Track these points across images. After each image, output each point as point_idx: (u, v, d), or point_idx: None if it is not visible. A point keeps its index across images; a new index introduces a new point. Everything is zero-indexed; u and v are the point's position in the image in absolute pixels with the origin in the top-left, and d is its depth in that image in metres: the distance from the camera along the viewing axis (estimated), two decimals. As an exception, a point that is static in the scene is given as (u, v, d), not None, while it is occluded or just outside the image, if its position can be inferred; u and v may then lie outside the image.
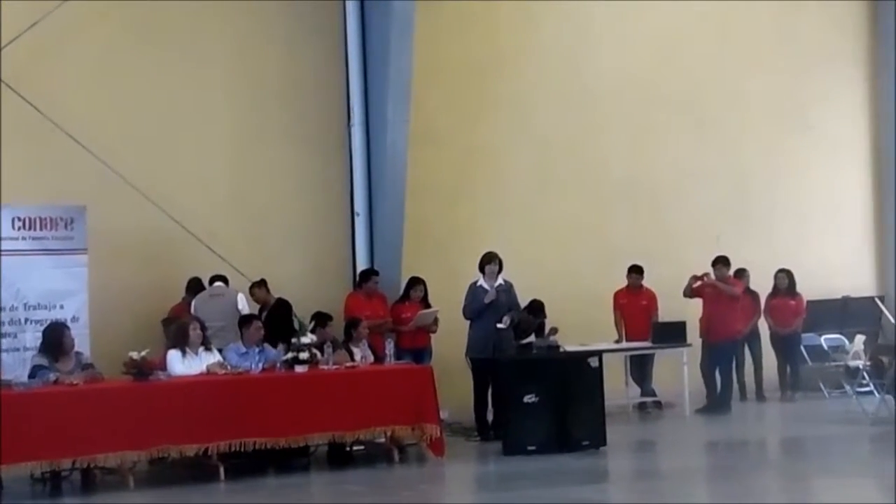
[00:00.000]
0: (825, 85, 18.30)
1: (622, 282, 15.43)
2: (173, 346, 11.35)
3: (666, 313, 15.29)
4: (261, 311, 13.22)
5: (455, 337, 13.35)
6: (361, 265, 14.27)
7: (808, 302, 16.33)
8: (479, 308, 12.95)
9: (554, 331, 13.03)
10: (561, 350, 12.73)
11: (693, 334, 14.97)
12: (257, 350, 11.74)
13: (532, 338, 13.32)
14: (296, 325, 12.26)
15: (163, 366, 11.15)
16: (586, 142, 16.28)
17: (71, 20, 12.92)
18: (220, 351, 11.63)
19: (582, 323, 14.75)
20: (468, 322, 13.18)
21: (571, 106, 16.18)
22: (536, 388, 11.79)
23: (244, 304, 12.96)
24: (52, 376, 10.56)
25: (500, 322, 12.93)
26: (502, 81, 15.70)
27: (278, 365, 11.47)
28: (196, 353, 11.35)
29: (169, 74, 13.68)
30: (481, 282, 13.04)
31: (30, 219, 12.01)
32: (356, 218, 14.49)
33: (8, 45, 12.47)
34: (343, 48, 14.53)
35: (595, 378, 12.14)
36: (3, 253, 11.81)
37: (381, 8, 14.08)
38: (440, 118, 15.09)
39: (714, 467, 11.97)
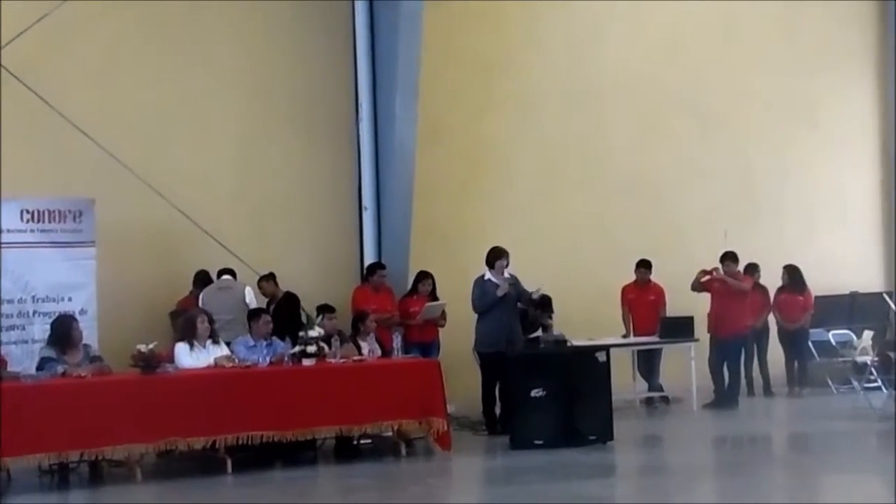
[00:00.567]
0: (832, 82, 18.29)
1: (629, 277, 15.44)
2: (181, 339, 11.37)
3: (673, 308, 15.29)
4: (268, 304, 13.25)
5: (462, 331, 13.36)
6: (369, 259, 14.30)
7: (816, 297, 16.33)
8: (492, 302, 12.92)
9: (538, 294, 12.99)
10: (568, 345, 12.73)
11: (701, 329, 14.96)
12: (265, 343, 11.76)
13: (539, 332, 13.34)
14: (303, 319, 12.27)
15: (170, 358, 11.17)
16: (593, 138, 16.30)
17: (79, 13, 12.94)
18: (227, 344, 11.65)
19: (589, 318, 14.80)
20: (476, 316, 13.15)
21: (578, 103, 16.19)
22: (544, 383, 11.79)
23: (252, 298, 12.98)
24: (60, 369, 10.58)
25: (534, 294, 12.89)
26: (509, 78, 15.71)
27: (286, 358, 11.48)
28: (204, 346, 11.38)
29: (177, 68, 13.69)
30: (489, 276, 13.02)
31: (38, 211, 12.02)
32: (364, 212, 14.51)
33: (17, 38, 12.48)
34: (351, 44, 14.54)
35: (602, 373, 12.14)
36: (12, 245, 11.82)
37: (389, 4, 14.10)
38: (448, 114, 15.11)
39: (721, 463, 11.96)
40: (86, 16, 13.06)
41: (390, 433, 11.82)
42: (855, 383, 14.58)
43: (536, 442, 11.68)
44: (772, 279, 16.19)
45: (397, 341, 12.27)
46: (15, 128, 12.51)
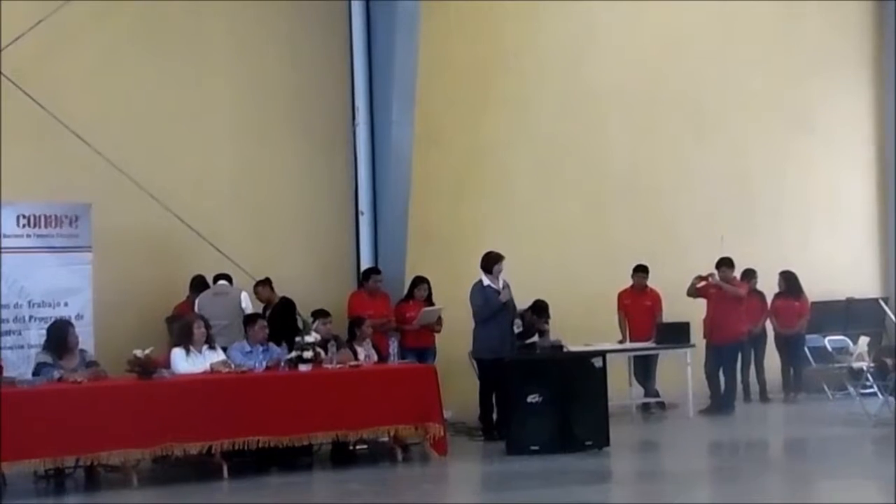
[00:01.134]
0: (829, 86, 18.32)
1: (625, 282, 15.44)
2: (177, 344, 11.36)
3: (669, 314, 15.29)
4: (265, 309, 13.22)
5: (459, 336, 13.36)
6: (365, 264, 14.28)
7: (812, 303, 16.35)
8: (497, 309, 12.91)
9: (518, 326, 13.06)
10: (565, 350, 12.73)
11: (697, 335, 14.97)
12: (261, 349, 11.75)
13: (536, 338, 13.34)
14: (300, 324, 12.26)
15: (167, 364, 11.17)
16: (589, 142, 16.30)
17: (76, 18, 12.93)
18: (224, 349, 11.64)
19: (585, 323, 14.79)
20: (473, 322, 13.13)
21: (575, 106, 16.19)
22: (540, 389, 11.79)
23: (248, 303, 12.96)
24: (57, 374, 10.58)
25: (515, 326, 12.92)
26: (506, 81, 15.72)
27: (282, 364, 11.48)
28: (200, 352, 11.37)
29: (174, 73, 13.68)
30: (488, 282, 13.01)
31: (35, 216, 12.00)
32: (360, 217, 14.50)
33: (13, 43, 12.47)
34: (348, 48, 14.54)
35: (598, 378, 12.14)
36: (8, 250, 11.80)
37: (386, 7, 14.10)
38: (444, 118, 15.11)
39: (717, 468, 11.96)
40: (82, 20, 13.05)
41: (387, 439, 11.80)
42: (851, 389, 14.58)
43: (532, 447, 11.68)
44: (768, 285, 16.19)
45: (394, 347, 12.27)
46: (11, 132, 12.49)
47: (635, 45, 16.73)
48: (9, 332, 11.82)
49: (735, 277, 15.17)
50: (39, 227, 12.02)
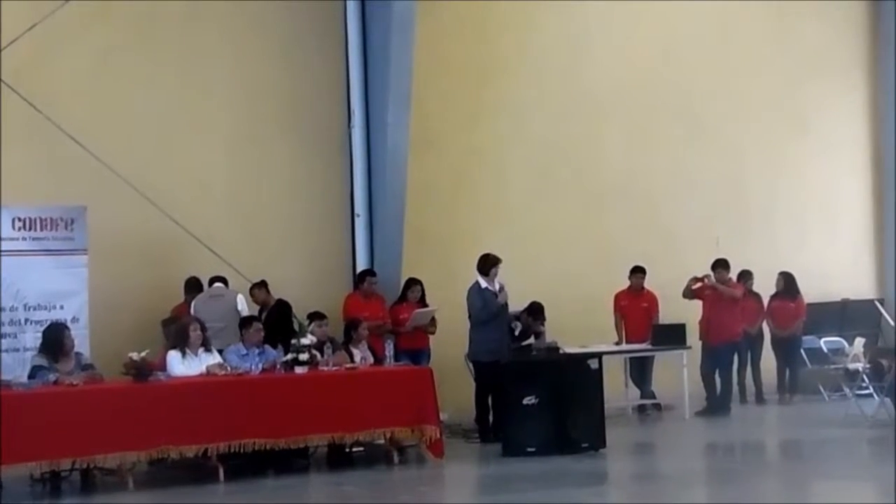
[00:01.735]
0: (824, 89, 18.34)
1: (621, 284, 15.44)
2: (173, 347, 11.35)
3: (665, 316, 15.31)
4: (261, 311, 13.23)
5: (455, 338, 13.36)
6: (361, 267, 14.28)
7: (808, 304, 16.35)
8: (495, 312, 12.91)
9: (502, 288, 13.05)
10: (561, 352, 12.74)
11: (692, 337, 14.97)
12: (257, 351, 11.74)
13: (532, 339, 13.34)
14: (295, 327, 12.25)
15: (162, 366, 11.16)
16: (585, 144, 16.31)
17: (71, 21, 12.92)
18: (219, 352, 11.63)
19: (581, 325, 14.78)
20: (469, 325, 13.13)
21: (570, 109, 16.20)
22: (536, 390, 11.79)
23: (244, 306, 12.97)
24: (52, 377, 10.56)
25: (513, 324, 12.92)
26: (501, 85, 15.72)
27: (278, 366, 11.47)
28: (196, 354, 11.36)
29: (168, 75, 13.68)
30: (485, 284, 13.01)
31: (30, 219, 11.99)
32: (356, 219, 14.50)
33: (8, 46, 12.47)
34: (343, 50, 14.54)
35: (594, 380, 12.15)
36: (4, 253, 11.79)
37: (381, 9, 14.10)
38: (440, 120, 15.11)
39: (713, 470, 11.97)
40: (77, 24, 13.04)
41: (383, 441, 11.80)
42: (847, 390, 14.60)
43: (529, 449, 11.67)
44: (763, 286, 16.19)
45: (389, 349, 12.28)
46: (6, 135, 12.49)
47: (631, 47, 16.74)
48: (4, 336, 11.81)
49: (731, 279, 15.19)
50: (35, 229, 12.01)
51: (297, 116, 14.43)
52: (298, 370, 11.34)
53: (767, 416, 15.40)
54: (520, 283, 13.55)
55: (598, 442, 11.94)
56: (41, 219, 12.04)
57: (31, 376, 10.71)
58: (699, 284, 14.93)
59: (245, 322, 12.10)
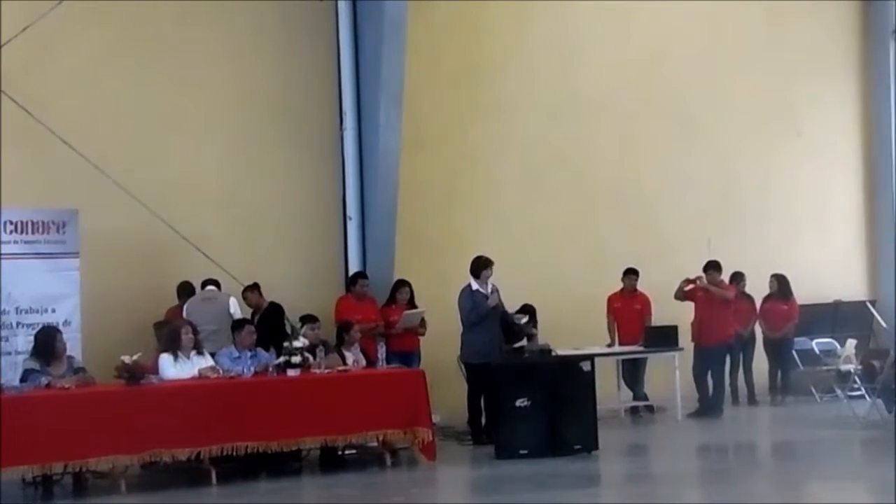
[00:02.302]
0: (816, 91, 18.39)
1: (614, 286, 15.45)
2: (165, 350, 11.33)
3: (658, 318, 15.31)
4: (253, 314, 13.22)
5: (447, 340, 13.35)
6: (354, 269, 14.27)
7: (800, 306, 16.37)
8: (484, 313, 12.92)
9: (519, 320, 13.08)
10: (553, 354, 12.74)
11: (685, 338, 14.98)
12: (249, 354, 11.73)
13: (524, 342, 13.33)
14: (288, 329, 12.24)
15: (155, 370, 11.14)
16: (577, 146, 16.32)
17: (63, 24, 12.89)
18: (212, 355, 11.62)
19: (573, 327, 14.80)
20: (461, 327, 13.14)
21: (562, 110, 16.22)
22: (529, 392, 11.79)
23: (236, 308, 12.96)
24: (44, 380, 10.54)
25: (515, 318, 12.96)
26: (494, 86, 15.73)
27: (270, 369, 11.46)
28: (188, 357, 11.34)
29: (161, 78, 13.66)
30: (476, 286, 13.01)
31: (22, 222, 11.96)
32: (348, 222, 14.49)
33: (0, 49, 12.45)
34: (335, 52, 14.54)
35: (587, 382, 12.15)
36: (-5, 257, 11.79)
37: (373, 11, 14.09)
38: (432, 122, 15.12)
39: (705, 471, 11.97)
40: (69, 26, 13.02)
41: (375, 443, 11.80)
42: (839, 392, 14.61)
43: (521, 451, 11.68)
44: (756, 288, 16.21)
45: (382, 351, 12.27)
46: (-2, 138, 12.49)
47: (623, 48, 16.76)
48: (-4, 339, 11.79)
49: (723, 280, 15.19)
50: (27, 233, 11.98)
51: (289, 118, 14.42)
52: (291, 373, 11.33)
53: (759, 418, 15.41)
54: (512, 284, 13.55)
55: (590, 444, 11.95)
56: (33, 222, 12.01)
57: (22, 380, 10.69)
58: (691, 286, 14.94)
59: (237, 325, 12.08)
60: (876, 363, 13.96)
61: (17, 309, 11.89)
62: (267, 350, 11.91)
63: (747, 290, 16.09)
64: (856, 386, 14.27)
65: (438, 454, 11.81)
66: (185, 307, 12.85)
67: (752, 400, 16.11)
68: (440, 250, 14.85)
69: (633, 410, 15.35)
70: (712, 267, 15.04)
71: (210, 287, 13.10)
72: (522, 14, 15.97)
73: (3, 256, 11.79)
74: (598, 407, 12.30)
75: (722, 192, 17.43)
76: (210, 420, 10.74)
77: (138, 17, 13.52)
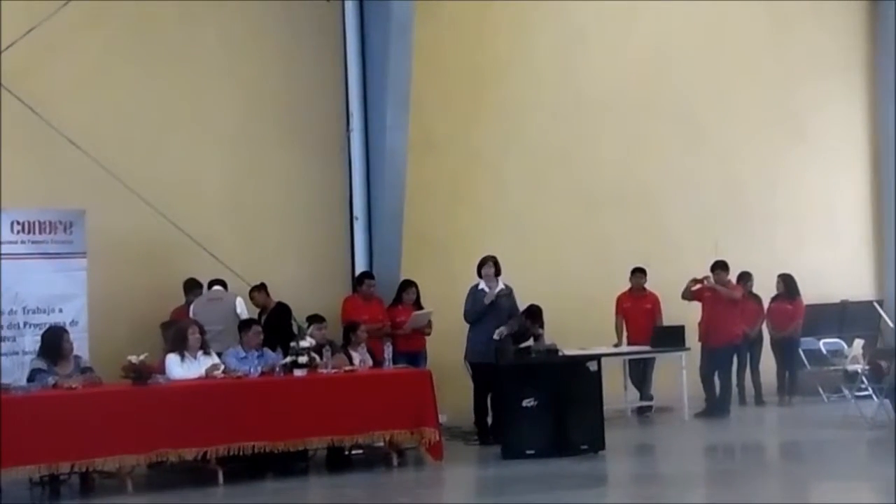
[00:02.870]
0: (821, 92, 18.36)
1: (619, 286, 15.45)
2: (172, 350, 11.34)
3: (664, 317, 15.30)
4: (260, 314, 13.23)
5: (453, 340, 13.36)
6: (360, 269, 14.28)
7: (807, 306, 16.35)
8: (480, 311, 12.95)
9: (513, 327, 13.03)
10: (559, 354, 12.73)
11: (692, 338, 14.97)
12: (256, 354, 11.74)
13: (531, 342, 13.33)
14: (295, 329, 12.25)
15: (161, 369, 11.15)
16: (583, 148, 16.32)
17: (69, 24, 12.92)
18: (219, 355, 11.63)
19: (580, 327, 14.80)
20: (468, 326, 13.16)
21: (568, 112, 16.22)
22: (535, 393, 11.79)
23: (243, 308, 12.97)
24: (51, 380, 10.56)
25: (496, 333, 12.88)
26: (499, 88, 15.74)
27: (277, 369, 11.46)
28: (195, 357, 11.35)
29: (167, 78, 13.68)
30: (482, 285, 13.03)
31: (29, 223, 11.98)
32: (355, 222, 14.50)
33: (6, 50, 12.46)
34: (342, 53, 14.54)
35: (594, 382, 12.14)
36: (2, 257, 11.78)
37: (379, 13, 14.10)
38: (438, 123, 15.13)
39: (713, 472, 11.96)
40: (75, 27, 13.04)
41: (382, 443, 11.80)
42: (846, 392, 14.59)
43: (528, 451, 11.67)
44: (763, 288, 16.19)
45: (388, 351, 12.27)
46: (5, 139, 12.49)
47: (628, 50, 16.76)
48: (3, 339, 11.79)
49: (730, 280, 15.18)
50: (34, 233, 12.00)
51: (295, 119, 14.43)
52: (297, 373, 11.34)
53: (767, 418, 15.39)
54: (518, 285, 13.53)
55: (597, 444, 11.94)
56: (40, 222, 12.04)
57: (30, 380, 10.71)
58: (698, 286, 14.92)
59: (244, 325, 12.09)
60: (883, 363, 13.92)
61: (24, 309, 11.92)
62: (274, 350, 11.91)
63: (754, 290, 16.07)
64: (863, 386, 14.24)
65: (445, 454, 11.81)
66: (191, 307, 12.86)
67: (759, 400, 16.09)
68: (446, 250, 14.86)
69: (641, 410, 15.32)
70: (720, 267, 15.02)
71: (217, 287, 13.12)
72: (527, 16, 15.98)
73: (10, 256, 11.83)
74: (605, 407, 12.29)
75: (728, 192, 17.41)
76: (217, 420, 10.74)
77: (145, 17, 13.54)
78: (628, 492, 10.85)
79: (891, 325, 17.62)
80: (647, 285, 15.44)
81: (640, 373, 15.31)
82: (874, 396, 13.95)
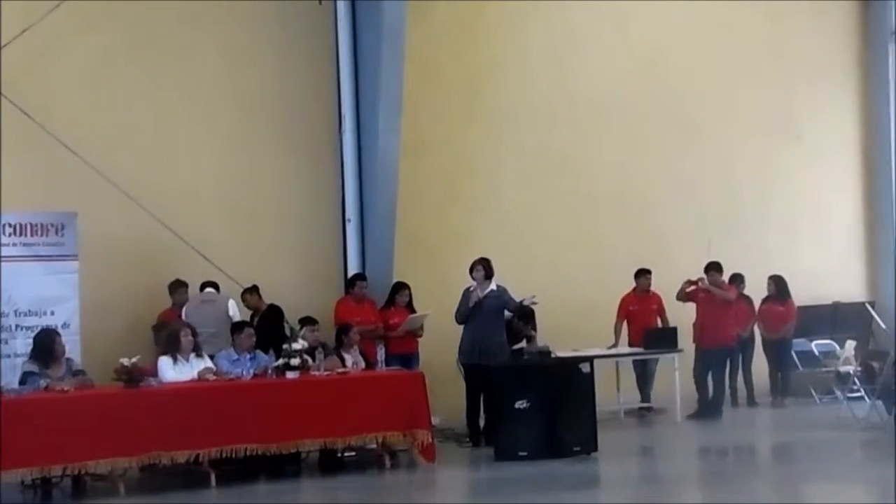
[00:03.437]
0: (815, 95, 18.40)
1: (613, 288, 15.44)
2: (164, 353, 11.32)
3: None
4: (252, 316, 13.21)
5: (446, 342, 13.35)
6: (353, 271, 14.28)
7: (799, 308, 16.37)
8: (466, 312, 12.95)
9: (530, 302, 12.98)
10: (552, 356, 12.74)
11: (686, 340, 14.98)
12: (249, 356, 11.73)
13: (523, 344, 13.34)
14: (287, 332, 12.25)
15: (154, 372, 11.14)
16: (576, 150, 16.31)
17: (63, 27, 12.89)
18: (211, 357, 11.61)
19: (573, 329, 14.79)
20: (462, 328, 13.16)
21: (561, 114, 16.21)
22: (528, 394, 11.79)
23: (235, 311, 12.95)
24: (43, 383, 10.54)
25: (524, 302, 12.88)
26: (492, 90, 15.73)
27: (269, 371, 11.46)
28: (187, 360, 11.34)
29: (160, 81, 13.66)
30: (474, 286, 13.05)
31: (21, 225, 11.96)
32: (347, 224, 14.49)
33: (-1, 52, 12.48)
34: (334, 55, 14.54)
35: (586, 384, 12.15)
36: (-7, 259, 11.79)
37: (372, 15, 14.10)
38: (431, 125, 15.11)
39: (705, 473, 11.97)
40: (69, 29, 13.02)
41: (374, 446, 11.79)
42: (838, 393, 14.61)
43: (521, 453, 11.67)
44: (755, 290, 16.21)
45: (381, 353, 12.28)
46: (-3, 142, 12.49)
47: (623, 52, 16.76)
48: (-4, 342, 11.79)
49: (724, 281, 15.19)
50: (26, 235, 11.97)
51: (288, 121, 14.42)
52: (290, 375, 11.33)
53: (759, 420, 15.40)
54: (512, 287, 13.52)
55: (590, 446, 11.94)
56: (32, 224, 12.01)
57: (21, 382, 10.69)
58: (693, 287, 14.93)
59: (236, 327, 12.08)
60: (875, 364, 13.94)
61: (16, 311, 11.89)
62: (266, 352, 11.91)
63: (746, 291, 16.08)
64: (855, 387, 14.26)
65: (438, 456, 11.80)
66: (183, 309, 12.84)
67: (751, 401, 16.10)
68: (439, 253, 14.86)
69: (640, 411, 15.31)
70: (713, 268, 15.03)
71: (209, 289, 13.09)
72: (521, 17, 15.97)
73: (2, 259, 11.78)
74: (598, 409, 12.29)
75: (722, 194, 17.42)
76: (209, 422, 10.74)
77: (138, 20, 13.51)
78: (621, 493, 10.84)
79: (882, 326, 17.64)
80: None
81: (644, 375, 15.29)
82: (866, 398, 13.97)
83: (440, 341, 13.62)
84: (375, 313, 13.76)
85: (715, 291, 14.91)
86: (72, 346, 11.52)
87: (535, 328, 13.89)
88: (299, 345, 11.50)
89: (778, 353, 16.20)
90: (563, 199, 16.15)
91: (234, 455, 10.82)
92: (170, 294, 13.10)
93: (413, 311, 13.81)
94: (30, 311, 11.96)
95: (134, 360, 10.72)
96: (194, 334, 11.51)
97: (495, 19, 15.80)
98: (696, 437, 13.93)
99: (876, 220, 18.75)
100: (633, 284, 15.41)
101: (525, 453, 11.65)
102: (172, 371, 11.20)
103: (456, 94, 15.41)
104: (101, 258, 12.71)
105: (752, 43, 17.88)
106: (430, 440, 11.73)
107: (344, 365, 12.11)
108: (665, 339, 14.82)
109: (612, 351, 14.99)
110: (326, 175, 14.57)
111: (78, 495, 10.73)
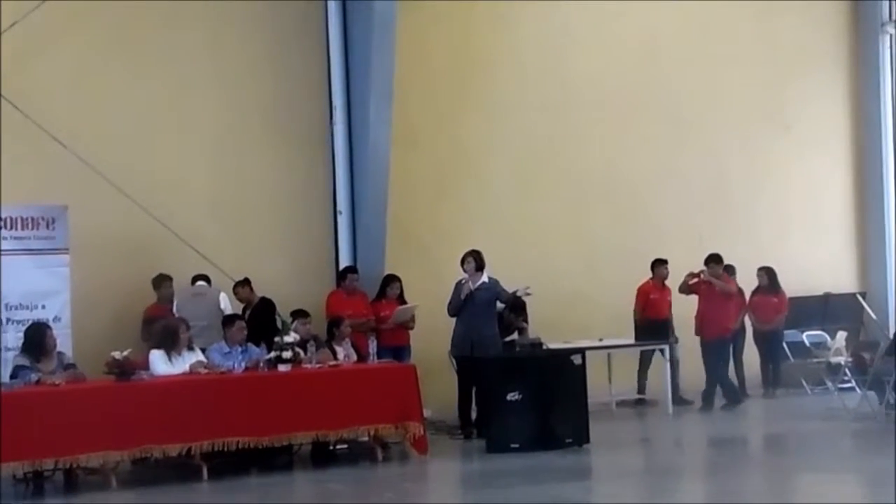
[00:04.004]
0: (806, 86, 18.40)
1: (605, 280, 15.50)
2: (160, 348, 11.28)
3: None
4: (244, 309, 13.20)
5: (437, 335, 13.37)
6: (344, 264, 14.27)
7: (790, 299, 16.40)
8: (458, 304, 12.96)
9: (524, 292, 12.99)
10: (544, 348, 12.74)
11: (687, 332, 15.02)
12: (240, 349, 11.72)
13: (515, 336, 13.34)
14: (279, 324, 12.24)
15: (145, 365, 11.12)
16: (567, 141, 16.31)
17: (52, 21, 12.86)
18: (202, 350, 11.60)
19: (564, 321, 14.81)
20: (454, 320, 13.17)
21: (552, 106, 16.20)
22: (520, 386, 11.80)
23: (226, 304, 12.94)
24: (34, 377, 10.53)
25: (517, 293, 12.92)
26: (483, 82, 15.72)
27: (261, 364, 11.45)
28: (179, 353, 11.32)
29: (150, 74, 13.64)
30: (466, 278, 13.05)
31: (11, 218, 11.92)
32: (339, 217, 14.49)
33: (-11, 45, 12.44)
34: (325, 47, 14.52)
35: (578, 376, 12.16)
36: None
37: (362, 8, 14.09)
38: (422, 117, 15.11)
39: (697, 464, 11.99)
40: (59, 23, 12.99)
41: (367, 438, 11.78)
42: (829, 384, 14.65)
43: (513, 445, 11.68)
44: (746, 281, 16.23)
45: (373, 346, 12.27)
46: (-13, 135, 12.46)
47: (614, 45, 16.74)
48: (-14, 335, 11.77)
49: (724, 273, 15.19)
50: (16, 229, 11.95)
51: (279, 114, 14.40)
52: (282, 368, 11.32)
53: (750, 410, 15.39)
54: (503, 279, 13.54)
55: (581, 437, 11.96)
56: (22, 218, 11.98)
57: (13, 376, 10.67)
58: (696, 279, 14.94)
59: (227, 320, 12.07)
60: (866, 355, 13.97)
61: (6, 305, 11.87)
62: (258, 345, 11.90)
63: (738, 283, 16.09)
64: (846, 378, 14.30)
65: (430, 448, 11.81)
66: (174, 302, 12.82)
67: (742, 392, 16.10)
68: (430, 245, 14.86)
69: (638, 403, 15.36)
70: (713, 260, 15.03)
71: (200, 282, 13.08)
72: (512, 10, 15.95)
73: (-7, 252, 11.77)
74: (589, 400, 12.31)
75: (713, 187, 17.43)
76: (201, 415, 10.73)
77: (128, 15, 13.48)
78: (613, 485, 10.84)
79: (874, 317, 17.66)
80: (629, 280, 15.43)
81: (645, 366, 15.32)
82: (857, 388, 14.01)
83: (431, 333, 13.63)
84: (367, 306, 13.76)
85: (717, 283, 14.91)
86: (63, 340, 11.50)
87: (526, 320, 13.91)
88: (291, 338, 11.50)
89: (769, 344, 16.23)
90: (553, 192, 16.15)
91: (225, 448, 10.81)
92: (154, 288, 13.06)
93: (404, 303, 13.82)
94: (21, 304, 11.93)
95: (125, 353, 10.72)
96: (186, 327, 11.49)
97: (487, 11, 15.78)
98: (688, 428, 13.97)
99: (867, 212, 18.79)
100: (634, 275, 15.38)
101: (517, 445, 11.66)
102: (164, 365, 11.18)
103: (447, 86, 15.41)
104: (93, 252, 12.70)
105: (742, 36, 17.88)
106: (422, 432, 11.73)
107: (336, 358, 12.10)
108: (655, 330, 14.81)
109: (604, 343, 14.98)
110: (317, 167, 14.56)
111: (70, 489, 10.73)
